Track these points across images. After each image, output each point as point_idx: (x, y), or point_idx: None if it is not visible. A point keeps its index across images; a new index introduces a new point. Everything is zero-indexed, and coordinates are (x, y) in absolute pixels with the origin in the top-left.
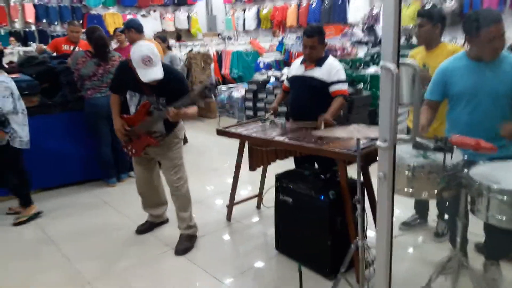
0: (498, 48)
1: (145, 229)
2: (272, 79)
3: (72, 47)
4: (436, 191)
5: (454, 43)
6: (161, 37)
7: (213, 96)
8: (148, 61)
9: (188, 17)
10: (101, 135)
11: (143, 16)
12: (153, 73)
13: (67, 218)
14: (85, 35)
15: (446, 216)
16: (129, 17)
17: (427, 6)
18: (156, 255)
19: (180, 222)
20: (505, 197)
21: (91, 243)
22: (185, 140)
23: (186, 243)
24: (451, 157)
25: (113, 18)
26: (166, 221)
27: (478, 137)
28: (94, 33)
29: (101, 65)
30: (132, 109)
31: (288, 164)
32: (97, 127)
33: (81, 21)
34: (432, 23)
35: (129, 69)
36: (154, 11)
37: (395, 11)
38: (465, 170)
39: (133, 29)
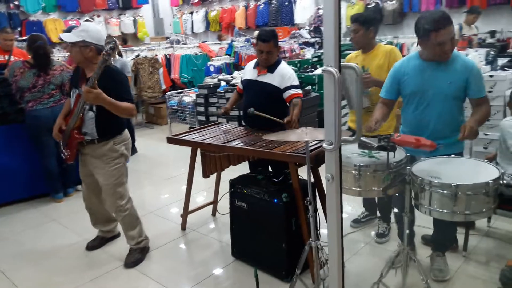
0: (448, 50)
1: (96, 245)
2: (223, 83)
3: (6, 57)
4: (381, 188)
5: (395, 41)
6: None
7: (110, 55)
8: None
9: (134, 21)
10: (45, 147)
11: (86, 21)
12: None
13: (11, 238)
14: (26, 44)
15: (390, 215)
16: (71, 23)
17: (370, 6)
18: (108, 272)
19: (129, 240)
20: (445, 191)
21: (39, 264)
22: (134, 150)
23: (136, 255)
24: (394, 155)
25: (55, 24)
26: (117, 235)
27: (428, 135)
28: (35, 42)
29: (41, 75)
30: (72, 108)
31: (243, 168)
32: (41, 140)
33: (19, 29)
34: (365, 28)
35: (78, 67)
36: (98, 16)
37: (335, 16)
38: (408, 167)
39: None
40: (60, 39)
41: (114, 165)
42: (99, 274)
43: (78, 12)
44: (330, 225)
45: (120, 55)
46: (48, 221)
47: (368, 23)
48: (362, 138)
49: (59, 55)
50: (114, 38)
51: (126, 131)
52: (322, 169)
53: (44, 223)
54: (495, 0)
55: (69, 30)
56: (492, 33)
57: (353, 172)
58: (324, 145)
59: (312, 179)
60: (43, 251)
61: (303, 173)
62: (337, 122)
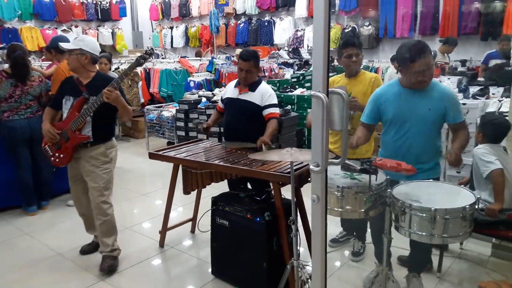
0: (427, 78)
1: (90, 249)
2: (204, 99)
3: None
4: (363, 210)
5: (371, 65)
6: (107, 57)
7: (146, 60)
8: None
9: (113, 33)
10: (20, 159)
11: (64, 31)
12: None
13: None
14: (6, 53)
15: (365, 235)
16: (48, 32)
17: (347, 30)
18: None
19: (103, 247)
20: (424, 215)
21: (12, 279)
22: None
23: (110, 261)
24: (376, 178)
25: (31, 32)
26: None
27: (408, 160)
28: (15, 51)
29: (18, 86)
30: (65, 115)
31: (222, 186)
32: (16, 151)
33: None
34: (361, 51)
35: (70, 78)
36: (76, 26)
37: (324, 43)
38: (389, 190)
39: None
40: (47, 48)
41: (104, 169)
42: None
43: (55, 21)
44: (315, 244)
45: (110, 69)
46: (20, 234)
47: (361, 48)
48: (346, 161)
49: (35, 64)
50: (153, 48)
51: (114, 138)
52: (303, 189)
53: (17, 237)
54: (465, 30)
55: (57, 40)
56: (463, 62)
57: (336, 193)
58: (311, 166)
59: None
60: (16, 265)
61: (284, 192)
62: (325, 145)
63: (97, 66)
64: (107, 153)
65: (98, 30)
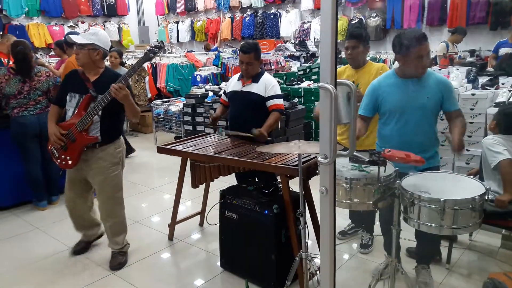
0: (425, 65)
1: (81, 249)
2: (211, 93)
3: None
4: (371, 201)
5: (378, 56)
6: (118, 52)
7: (156, 54)
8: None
9: (119, 29)
10: (30, 154)
11: (70, 27)
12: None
13: None
14: (10, 49)
15: (373, 226)
16: (55, 28)
17: (353, 22)
18: (96, 281)
19: (113, 245)
20: (433, 206)
21: (24, 274)
22: (131, 149)
23: (120, 258)
24: (385, 170)
25: (37, 29)
26: (101, 235)
27: (409, 150)
28: (16, 47)
29: (26, 82)
30: (70, 113)
31: (229, 179)
32: (26, 146)
33: (1, 32)
34: (363, 45)
35: (75, 71)
36: (83, 22)
37: (332, 35)
38: (397, 181)
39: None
40: (57, 43)
41: (114, 170)
42: (87, 283)
43: (62, 17)
44: (323, 236)
45: (123, 64)
46: (31, 229)
47: (366, 40)
48: (354, 153)
49: (44, 60)
50: (162, 41)
51: (122, 137)
52: (311, 182)
53: (28, 231)
54: (474, 20)
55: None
56: (472, 52)
57: (344, 185)
58: (320, 158)
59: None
60: (28, 260)
61: (292, 185)
62: (333, 137)
63: (106, 61)
64: (116, 154)
65: (104, 25)
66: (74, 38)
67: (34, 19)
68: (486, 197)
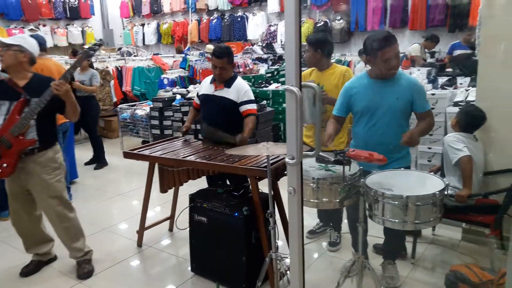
0: (394, 66)
1: (30, 270)
2: (178, 97)
3: None
4: (337, 200)
5: (343, 58)
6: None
7: (95, 51)
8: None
9: (83, 32)
10: None
11: (31, 30)
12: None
13: None
14: None
15: (341, 225)
16: (15, 32)
17: (319, 25)
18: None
19: (75, 253)
20: (396, 202)
21: None
22: (105, 163)
23: (87, 266)
24: (350, 169)
25: None
26: (54, 258)
27: (379, 149)
28: None
29: None
30: (0, 120)
31: (199, 183)
32: None
33: None
34: (314, 49)
35: (1, 81)
36: (44, 25)
37: (296, 38)
38: (362, 180)
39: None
40: None
41: (56, 175)
42: None
43: (22, 20)
44: (292, 235)
45: (92, 66)
46: None
47: (316, 45)
48: (320, 153)
49: None
50: (101, 39)
51: (58, 143)
52: (280, 183)
53: None
54: (433, 22)
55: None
56: (432, 54)
57: (312, 185)
58: (287, 159)
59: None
60: None
61: (261, 186)
62: (299, 138)
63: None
64: (56, 158)
65: (67, 28)
66: (3, 39)
67: None
68: (446, 192)
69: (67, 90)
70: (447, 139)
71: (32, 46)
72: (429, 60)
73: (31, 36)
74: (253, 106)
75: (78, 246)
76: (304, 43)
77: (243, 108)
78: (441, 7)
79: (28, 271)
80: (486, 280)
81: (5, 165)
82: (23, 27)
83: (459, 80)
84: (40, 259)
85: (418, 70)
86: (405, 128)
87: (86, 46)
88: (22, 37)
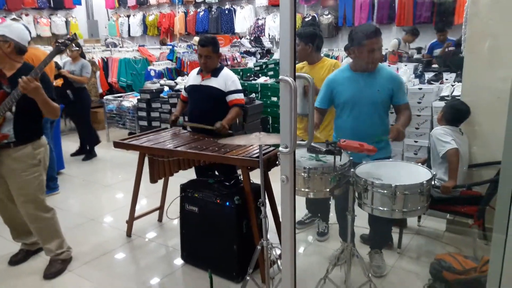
0: (377, 58)
1: (19, 259)
2: (166, 88)
3: None
4: (328, 189)
5: (331, 53)
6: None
7: (67, 46)
8: None
9: (67, 22)
10: None
11: (13, 19)
12: None
13: None
14: None
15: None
16: None
17: (307, 19)
18: (52, 280)
19: (46, 251)
20: (385, 191)
21: None
22: (93, 154)
23: (57, 266)
24: (340, 159)
25: None
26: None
27: (361, 140)
28: None
29: None
30: None
31: (188, 174)
32: None
33: None
34: (305, 43)
35: None
36: (27, 15)
37: (291, 29)
38: (352, 170)
39: None
40: None
41: (33, 172)
42: (39, 282)
43: (4, 9)
44: (285, 222)
45: (83, 56)
46: None
47: (308, 39)
48: (312, 143)
49: None
50: (76, 33)
51: (44, 137)
52: (270, 175)
53: None
54: (420, 19)
55: None
56: (419, 50)
57: (303, 174)
58: (281, 148)
59: None
60: None
61: (253, 177)
62: (293, 128)
63: (65, 56)
64: (34, 155)
65: (50, 18)
66: None
67: None
68: (433, 183)
69: (36, 87)
70: (435, 132)
71: (19, 34)
72: (416, 56)
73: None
74: (241, 96)
75: (50, 247)
76: None
77: (230, 97)
78: (427, 4)
79: (17, 260)
80: (469, 268)
81: None
82: (5, 16)
83: (445, 75)
84: (29, 249)
85: (405, 65)
86: (385, 119)
87: (60, 40)
88: (6, 26)
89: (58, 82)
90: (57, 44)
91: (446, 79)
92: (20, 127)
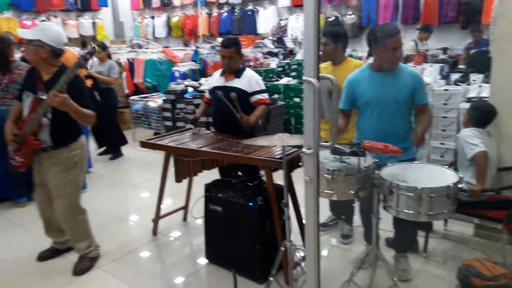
0: (398, 57)
1: (47, 255)
2: (190, 89)
3: None
4: (352, 191)
5: (355, 54)
6: (101, 45)
7: (87, 66)
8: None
9: (93, 24)
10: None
11: (42, 21)
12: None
13: None
14: None
15: (353, 218)
16: (26, 23)
17: (330, 19)
18: (80, 276)
19: (76, 250)
20: (411, 194)
21: (6, 271)
22: (120, 153)
23: (86, 263)
24: (364, 161)
25: (8, 23)
26: (72, 248)
27: (384, 141)
28: None
29: (6, 74)
30: (25, 112)
31: (212, 174)
32: (4, 142)
33: None
34: (334, 42)
35: (33, 69)
36: (55, 16)
37: (315, 30)
38: (377, 172)
39: None
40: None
41: (68, 175)
42: (70, 278)
43: (33, 11)
44: (308, 224)
45: (109, 57)
46: (11, 226)
47: (337, 38)
48: (336, 145)
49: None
50: (94, 44)
51: (83, 137)
52: (293, 176)
53: (9, 229)
54: (446, 18)
55: None
56: (444, 50)
57: (326, 175)
58: (304, 149)
59: None
60: (8, 258)
61: (276, 178)
62: (316, 129)
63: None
64: (71, 157)
65: (78, 20)
66: (21, 32)
67: (5, 13)
68: (460, 186)
69: (62, 101)
70: (463, 134)
71: (54, 38)
72: (441, 56)
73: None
74: (265, 96)
75: (79, 246)
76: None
77: (254, 98)
78: (453, 4)
79: (45, 256)
80: (497, 274)
81: (20, 159)
82: (34, 18)
83: (472, 76)
84: (58, 247)
85: (431, 66)
86: (407, 119)
87: (81, 53)
88: (43, 29)
89: (87, 83)
90: (78, 59)
91: (474, 80)
92: (57, 132)
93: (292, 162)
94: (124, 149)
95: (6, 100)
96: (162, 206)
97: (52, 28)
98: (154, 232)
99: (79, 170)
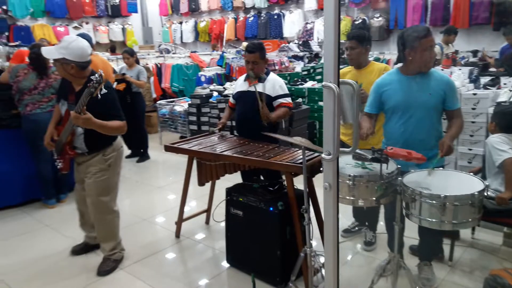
0: (430, 58)
1: (80, 249)
2: (215, 94)
3: None
4: (374, 198)
5: (382, 57)
6: (129, 52)
7: (96, 89)
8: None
9: (123, 29)
10: (41, 153)
11: (75, 28)
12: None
13: (4, 245)
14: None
15: (377, 224)
16: (59, 29)
17: (357, 22)
18: (103, 276)
19: (102, 250)
20: (434, 202)
21: (35, 270)
22: (146, 157)
23: (110, 264)
24: (387, 167)
25: (43, 30)
26: None
27: (411, 147)
28: (32, 49)
29: (43, 78)
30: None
31: (234, 178)
32: (37, 144)
33: (7, 33)
34: (362, 46)
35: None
36: (87, 23)
37: (335, 35)
38: (399, 178)
39: None
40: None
41: (101, 176)
42: (94, 278)
43: (66, 18)
44: (327, 232)
45: (138, 62)
46: (41, 226)
47: (365, 41)
48: (357, 150)
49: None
50: (100, 71)
51: (119, 138)
52: (315, 181)
53: (37, 229)
54: (477, 20)
55: (83, 37)
56: (475, 53)
57: (348, 182)
58: (323, 155)
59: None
60: (37, 257)
61: (295, 183)
62: (336, 134)
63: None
64: (105, 160)
65: (108, 26)
66: (45, 52)
67: (39, 20)
68: (486, 194)
69: (85, 120)
70: (491, 140)
71: (77, 54)
72: (472, 59)
73: (78, 35)
74: (288, 100)
75: (106, 247)
76: (342, 40)
77: (277, 102)
78: (485, 5)
79: (78, 250)
80: None
81: (62, 161)
82: (67, 25)
83: (503, 80)
84: (89, 242)
85: (460, 69)
86: (437, 125)
87: (92, 80)
88: (64, 47)
89: (121, 87)
90: (88, 85)
91: (504, 84)
92: (91, 140)
93: (313, 167)
94: (151, 152)
95: (42, 104)
96: (186, 209)
97: (74, 44)
98: (177, 234)
99: (112, 172)
